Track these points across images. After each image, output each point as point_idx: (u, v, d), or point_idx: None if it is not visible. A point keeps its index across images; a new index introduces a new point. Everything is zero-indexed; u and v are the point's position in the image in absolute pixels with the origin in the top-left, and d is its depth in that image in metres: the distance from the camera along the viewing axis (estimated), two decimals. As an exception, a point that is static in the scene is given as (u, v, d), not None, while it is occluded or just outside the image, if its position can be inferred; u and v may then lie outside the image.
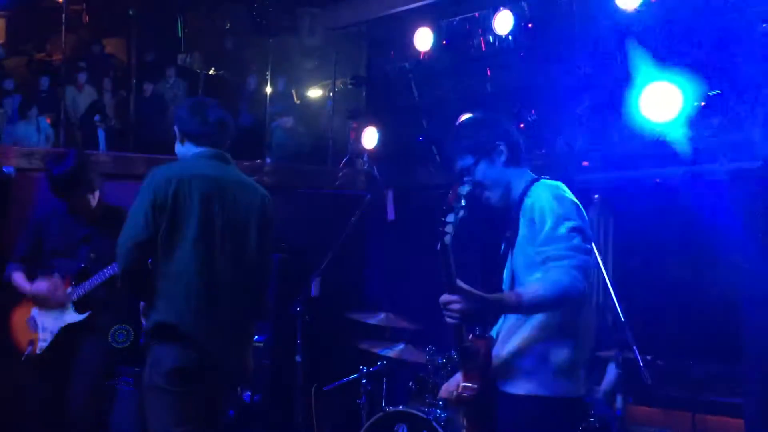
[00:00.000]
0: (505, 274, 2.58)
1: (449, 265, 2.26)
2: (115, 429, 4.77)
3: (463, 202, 2.31)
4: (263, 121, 9.28)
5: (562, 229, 2.37)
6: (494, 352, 2.51)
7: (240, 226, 3.17)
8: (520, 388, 2.45)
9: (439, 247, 2.26)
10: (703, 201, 4.78)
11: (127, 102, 9.32)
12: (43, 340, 3.94)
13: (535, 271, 2.43)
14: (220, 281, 3.11)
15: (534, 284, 2.34)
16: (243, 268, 3.18)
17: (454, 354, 4.11)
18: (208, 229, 3.08)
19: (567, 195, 2.50)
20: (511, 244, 2.53)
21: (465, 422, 2.54)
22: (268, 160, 8.07)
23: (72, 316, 3.97)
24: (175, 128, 3.26)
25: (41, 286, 3.93)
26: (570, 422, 2.53)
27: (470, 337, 2.50)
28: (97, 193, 4.08)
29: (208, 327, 3.07)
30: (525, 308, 2.32)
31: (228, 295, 3.13)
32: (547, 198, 2.44)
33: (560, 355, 2.43)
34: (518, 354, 2.46)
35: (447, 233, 2.25)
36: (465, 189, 2.34)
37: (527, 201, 2.50)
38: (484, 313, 2.44)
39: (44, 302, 3.96)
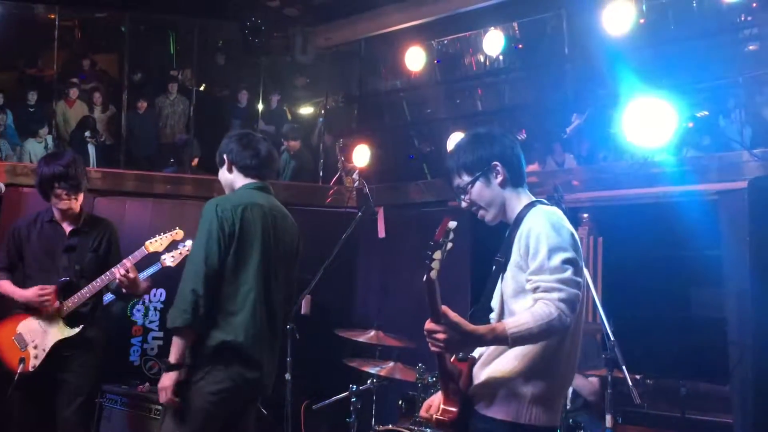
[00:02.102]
0: (494, 299, 2.55)
1: (434, 296, 2.26)
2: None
3: (451, 236, 2.29)
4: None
5: (556, 260, 2.33)
6: (474, 371, 2.51)
7: (286, 254, 3.39)
8: (496, 412, 2.43)
9: (425, 279, 2.24)
10: (692, 220, 4.81)
11: (118, 118, 9.33)
12: (35, 357, 3.89)
13: (522, 297, 2.42)
14: (273, 305, 3.30)
15: (521, 318, 2.30)
16: (285, 293, 3.40)
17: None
18: (267, 254, 3.27)
19: (565, 224, 2.46)
20: (501, 269, 2.50)
21: None
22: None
23: (64, 331, 3.92)
24: (224, 156, 3.46)
25: (30, 292, 3.89)
26: None
27: (452, 359, 2.50)
28: (81, 197, 4.05)
29: (263, 348, 3.26)
30: (510, 342, 2.29)
31: (276, 318, 3.34)
32: (544, 226, 2.39)
33: (539, 384, 2.41)
34: (498, 379, 2.44)
35: (433, 269, 2.23)
36: (454, 224, 2.30)
37: (523, 226, 2.45)
38: (468, 345, 2.43)
39: (36, 310, 3.92)
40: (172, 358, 3.13)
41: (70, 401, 3.89)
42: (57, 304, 3.90)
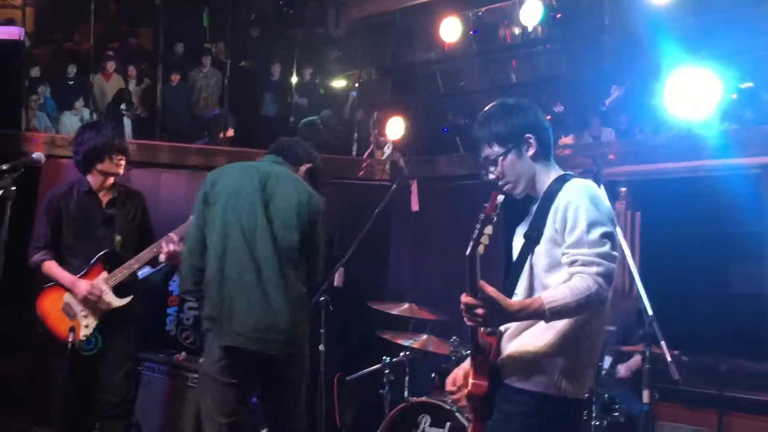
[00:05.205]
0: (523, 273, 2.50)
1: (475, 271, 2.23)
2: (141, 415, 4.82)
3: (498, 210, 2.26)
4: (288, 111, 9.30)
5: (595, 234, 2.31)
6: (502, 344, 2.50)
7: (279, 210, 3.40)
8: (525, 383, 2.42)
9: (468, 254, 2.21)
10: (732, 194, 4.70)
11: (152, 91, 9.38)
12: (86, 326, 3.95)
13: (557, 271, 2.39)
14: (257, 258, 3.35)
15: (559, 292, 2.29)
16: (279, 255, 3.37)
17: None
18: (239, 208, 3.37)
19: (603, 197, 2.44)
20: (534, 242, 2.45)
21: (472, 416, 2.52)
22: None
23: (115, 301, 3.99)
24: None
25: (82, 286, 3.94)
26: (567, 422, 2.47)
27: (481, 332, 2.48)
28: (125, 161, 4.10)
29: (240, 302, 3.37)
30: (548, 317, 2.28)
31: (263, 270, 3.37)
32: (583, 199, 2.37)
33: (568, 357, 2.40)
34: (526, 351, 2.43)
35: (481, 244, 2.20)
36: (502, 198, 2.28)
37: (559, 200, 2.40)
38: (505, 321, 2.40)
39: (82, 300, 3.98)
40: None
41: (118, 368, 3.99)
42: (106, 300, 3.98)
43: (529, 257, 2.47)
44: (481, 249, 2.21)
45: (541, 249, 2.43)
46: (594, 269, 2.28)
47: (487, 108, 2.62)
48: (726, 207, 4.86)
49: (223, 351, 3.35)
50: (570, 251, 2.33)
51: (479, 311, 2.24)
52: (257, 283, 3.31)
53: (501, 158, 2.51)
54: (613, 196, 5.04)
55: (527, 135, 2.51)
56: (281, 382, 3.47)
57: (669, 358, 3.48)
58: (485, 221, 2.21)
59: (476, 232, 2.21)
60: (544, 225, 2.43)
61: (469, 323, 2.32)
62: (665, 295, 4.25)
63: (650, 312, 3.55)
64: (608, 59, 6.04)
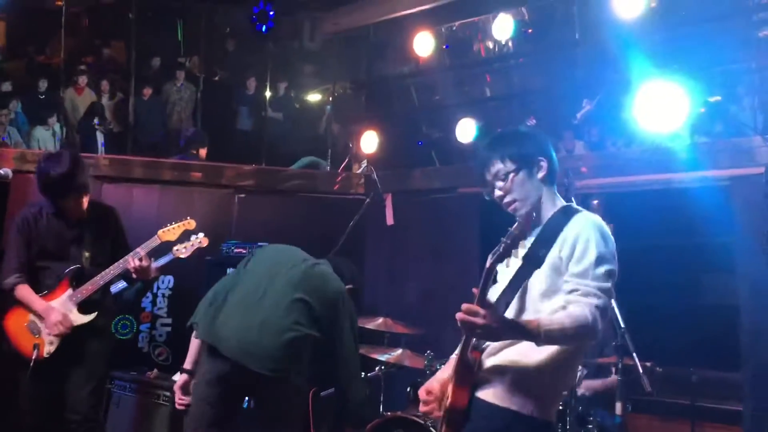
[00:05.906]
0: (517, 295, 2.50)
1: (488, 282, 2.29)
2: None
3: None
4: (262, 125, 9.28)
5: (601, 269, 2.37)
6: (483, 359, 2.51)
7: (285, 282, 3.58)
8: (501, 399, 2.44)
9: (490, 265, 2.28)
10: (703, 207, 4.76)
11: (125, 105, 9.32)
12: (50, 343, 3.89)
13: (552, 298, 2.42)
14: (262, 310, 3.53)
15: (558, 317, 2.32)
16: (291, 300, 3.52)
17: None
18: (257, 278, 3.63)
19: (610, 235, 2.49)
20: (534, 266, 2.46)
21: (444, 428, 2.51)
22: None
23: (77, 318, 3.93)
24: None
25: (54, 316, 3.88)
26: None
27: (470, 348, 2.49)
28: (88, 195, 4.04)
29: (235, 340, 3.52)
30: (543, 339, 2.30)
31: (259, 318, 3.53)
32: (594, 233, 2.43)
33: (545, 379, 2.43)
34: (505, 368, 2.45)
35: (511, 256, 2.28)
36: (534, 214, 2.39)
37: (568, 231, 2.45)
38: (501, 336, 2.40)
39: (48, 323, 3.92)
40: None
41: (82, 386, 3.92)
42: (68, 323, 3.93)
43: (525, 280, 2.49)
44: (506, 262, 2.31)
45: (541, 274, 2.45)
46: (594, 301, 2.33)
47: (500, 130, 2.72)
48: (697, 219, 4.91)
49: (209, 360, 3.42)
50: (573, 280, 2.38)
51: (479, 321, 2.24)
52: (257, 308, 3.44)
53: (512, 174, 2.55)
54: (585, 209, 5.06)
55: (539, 158, 2.57)
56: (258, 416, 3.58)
57: (641, 370, 3.50)
58: (518, 235, 2.28)
59: (503, 245, 2.27)
60: (547, 251, 2.46)
61: (465, 331, 2.33)
62: (637, 307, 4.28)
63: (622, 324, 3.56)
64: (579, 73, 6.11)
